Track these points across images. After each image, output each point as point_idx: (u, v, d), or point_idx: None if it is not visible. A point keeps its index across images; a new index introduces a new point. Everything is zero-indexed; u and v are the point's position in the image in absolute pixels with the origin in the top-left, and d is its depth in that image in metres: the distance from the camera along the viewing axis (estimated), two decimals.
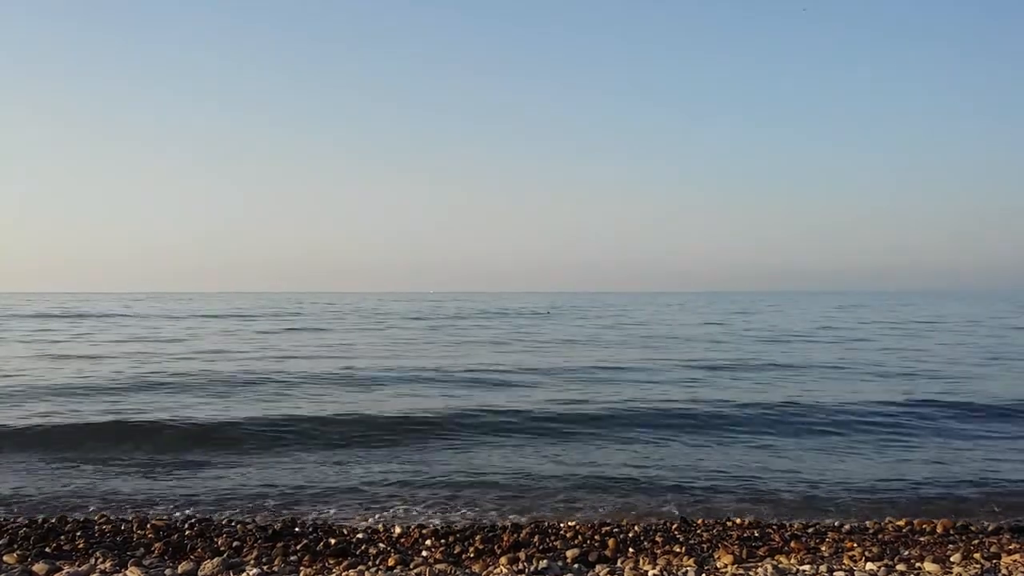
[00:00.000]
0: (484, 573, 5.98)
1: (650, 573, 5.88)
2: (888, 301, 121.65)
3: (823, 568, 5.97)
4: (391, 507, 8.62)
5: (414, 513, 8.45)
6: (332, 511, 8.48)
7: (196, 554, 6.44)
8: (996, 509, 8.59)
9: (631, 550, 6.67)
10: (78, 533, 7.04)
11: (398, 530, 7.38)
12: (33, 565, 5.94)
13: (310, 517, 8.10)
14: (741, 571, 5.93)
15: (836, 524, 7.82)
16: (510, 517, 8.18)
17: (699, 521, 7.86)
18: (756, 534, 7.29)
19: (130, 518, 7.74)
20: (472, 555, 6.54)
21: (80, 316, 55.76)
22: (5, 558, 6.20)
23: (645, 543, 6.92)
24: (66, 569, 5.86)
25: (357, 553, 6.58)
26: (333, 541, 6.88)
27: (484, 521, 8.03)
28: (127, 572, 5.79)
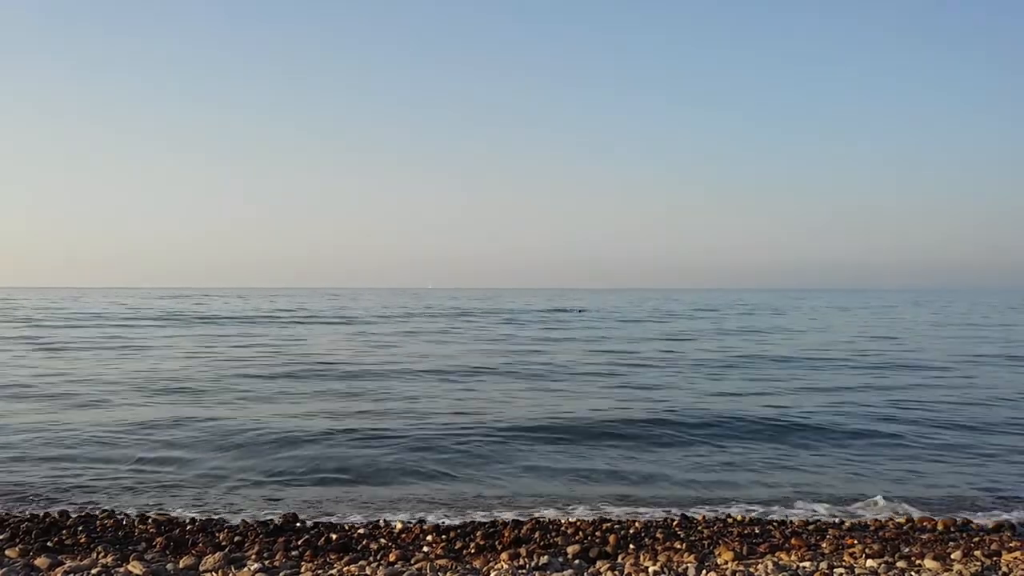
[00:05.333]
0: (485, 569, 5.98)
1: (651, 569, 5.88)
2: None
3: (823, 565, 5.98)
4: None
5: None
6: None
7: (197, 549, 6.45)
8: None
9: (632, 546, 6.67)
10: (80, 528, 7.05)
11: (399, 526, 7.39)
12: (35, 559, 5.95)
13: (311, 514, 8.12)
14: (742, 568, 5.94)
15: (837, 521, 7.83)
16: (512, 513, 8.19)
17: (700, 518, 7.87)
18: (757, 531, 7.30)
19: (132, 513, 7.75)
20: (473, 551, 6.55)
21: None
22: (7, 552, 6.21)
23: (646, 539, 6.92)
24: (68, 563, 5.87)
25: (358, 549, 6.59)
26: (334, 537, 6.90)
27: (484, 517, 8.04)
28: (129, 567, 5.79)
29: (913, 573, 5.83)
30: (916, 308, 79.95)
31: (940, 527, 7.53)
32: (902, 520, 7.84)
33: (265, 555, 6.30)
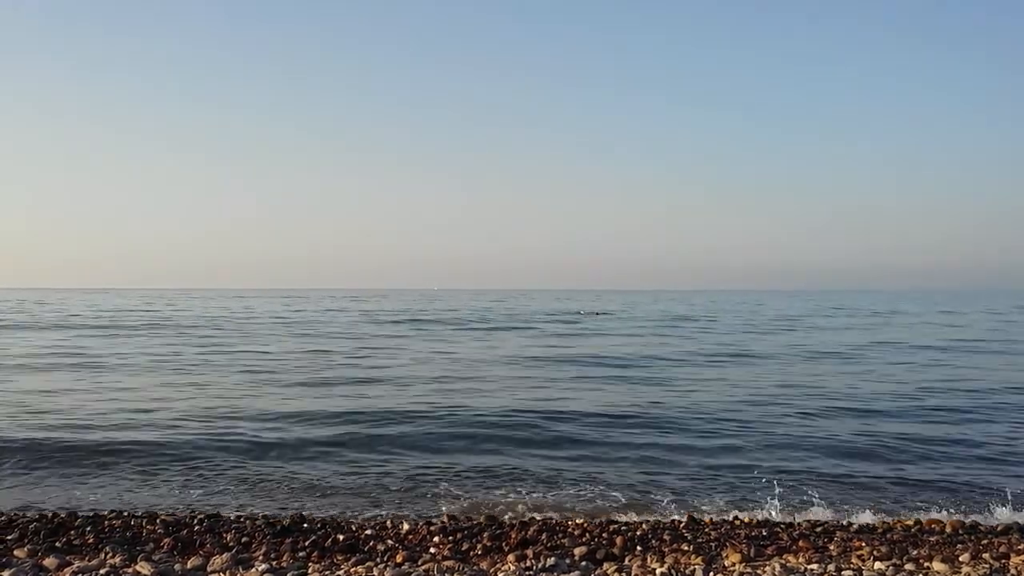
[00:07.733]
0: (492, 570, 5.98)
1: (658, 571, 5.88)
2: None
3: (831, 567, 5.97)
4: None
5: None
6: None
7: (205, 549, 6.46)
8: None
9: (639, 548, 6.67)
10: (88, 528, 7.05)
11: (406, 527, 7.39)
12: (43, 559, 5.95)
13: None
14: (749, 570, 5.93)
15: (844, 523, 7.82)
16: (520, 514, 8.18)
17: (707, 520, 7.86)
18: (764, 533, 7.29)
19: (139, 513, 7.76)
20: (480, 552, 6.54)
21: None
22: (16, 552, 6.22)
23: (653, 541, 6.91)
24: (76, 564, 5.87)
25: (365, 550, 6.58)
26: (341, 537, 6.90)
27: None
28: (137, 567, 5.80)
29: None
30: None
31: (948, 529, 7.51)
32: (910, 522, 7.83)
33: (272, 556, 6.30)
